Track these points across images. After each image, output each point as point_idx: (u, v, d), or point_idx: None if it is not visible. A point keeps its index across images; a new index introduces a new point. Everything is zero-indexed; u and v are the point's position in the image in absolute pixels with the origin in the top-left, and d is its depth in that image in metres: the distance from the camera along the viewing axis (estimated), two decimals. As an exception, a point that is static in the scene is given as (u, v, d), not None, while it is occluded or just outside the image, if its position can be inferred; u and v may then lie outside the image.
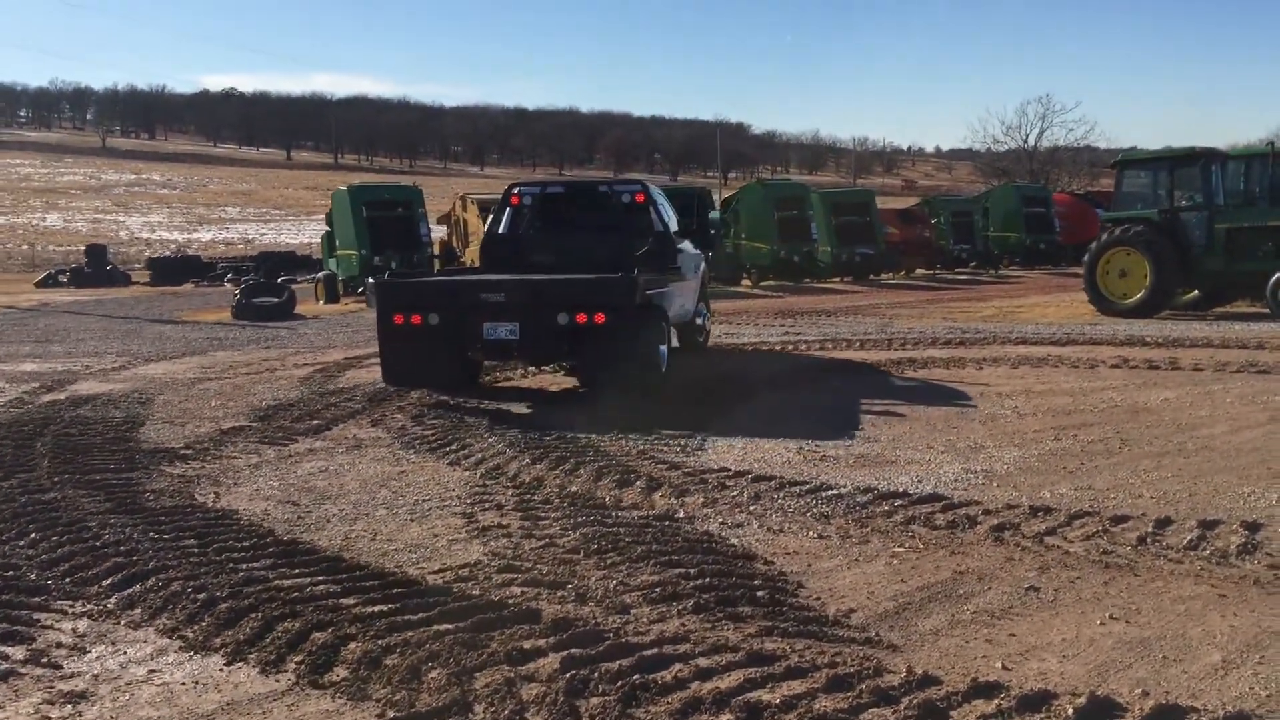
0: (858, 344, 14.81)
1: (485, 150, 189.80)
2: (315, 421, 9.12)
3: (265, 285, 23.29)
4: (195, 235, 77.92)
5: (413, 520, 6.06)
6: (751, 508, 6.30)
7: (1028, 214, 37.51)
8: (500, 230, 12.74)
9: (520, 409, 9.95)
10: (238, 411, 9.73)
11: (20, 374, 12.79)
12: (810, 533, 5.83)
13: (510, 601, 4.68)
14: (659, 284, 10.77)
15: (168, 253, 58.58)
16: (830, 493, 6.60)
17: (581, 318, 9.49)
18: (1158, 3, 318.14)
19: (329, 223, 27.07)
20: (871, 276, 33.31)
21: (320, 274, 27.86)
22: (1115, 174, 20.08)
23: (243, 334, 18.71)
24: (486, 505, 6.34)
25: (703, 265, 14.14)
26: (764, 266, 30.96)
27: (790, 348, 14.57)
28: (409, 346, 10.07)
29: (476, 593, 4.81)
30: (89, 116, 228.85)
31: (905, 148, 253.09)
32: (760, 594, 4.77)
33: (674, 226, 13.01)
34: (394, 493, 6.71)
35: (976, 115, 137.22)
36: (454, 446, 8.05)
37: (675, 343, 13.51)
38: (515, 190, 12.90)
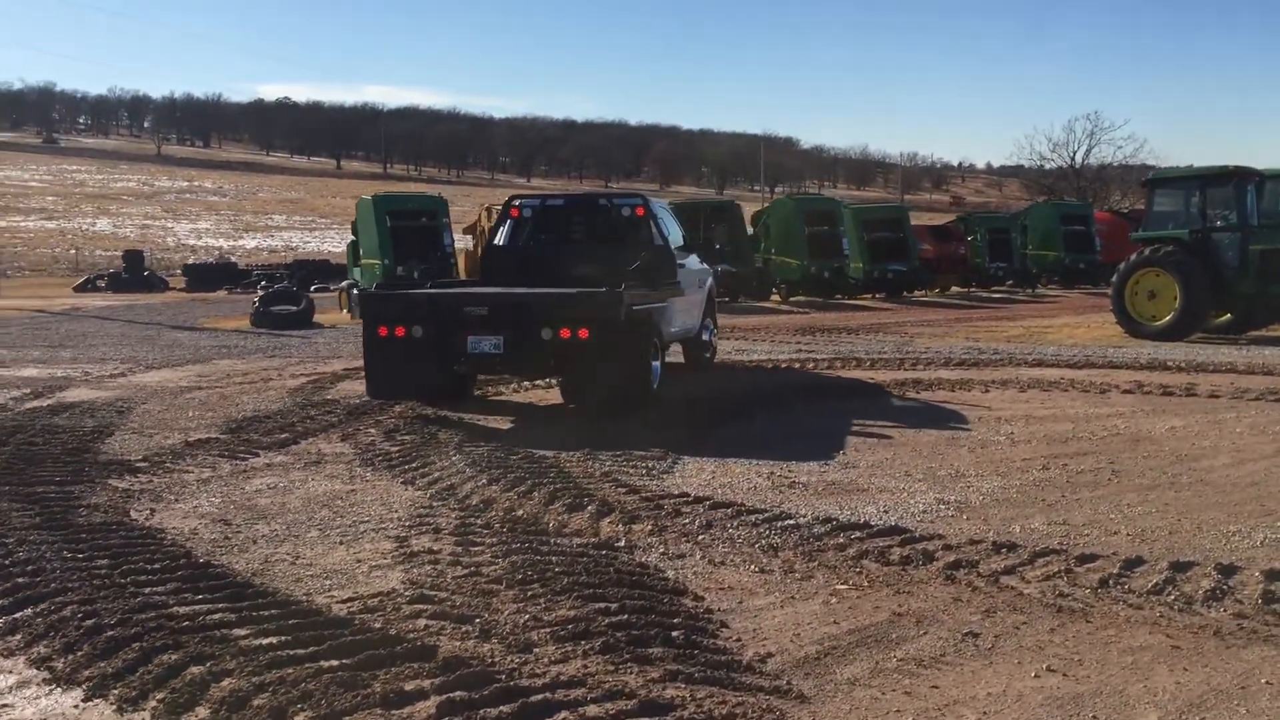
0: (869, 363, 14.45)
1: (533, 162, 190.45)
2: (285, 435, 8.94)
3: (284, 293, 23.31)
4: (240, 242, 78.67)
5: (342, 543, 5.83)
6: (700, 537, 6.01)
7: (1067, 232, 36.83)
8: (500, 243, 12.59)
9: (501, 424, 9.74)
10: (212, 423, 9.59)
11: (16, 379, 12.76)
12: (753, 566, 5.53)
13: (409, 636, 4.43)
14: (652, 299, 10.52)
15: (210, 259, 59.11)
16: (787, 522, 6.29)
17: (566, 333, 9.30)
18: (1215, 19, 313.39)
19: (354, 232, 27.06)
20: (905, 294, 32.84)
21: (344, 283, 27.87)
22: (1146, 193, 19.58)
23: (255, 342, 18.67)
24: (425, 528, 6.10)
25: (709, 280, 13.86)
26: (794, 282, 30.59)
27: (799, 366, 14.24)
28: (394, 359, 9.90)
29: (378, 625, 4.56)
30: (146, 124, 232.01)
31: (956, 163, 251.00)
32: (676, 634, 4.48)
33: (677, 240, 12.77)
34: (335, 512, 6.49)
35: (1024, 132, 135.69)
36: (415, 464, 7.83)
37: (681, 358, 13.27)
38: (515, 203, 12.74)
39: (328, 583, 5.16)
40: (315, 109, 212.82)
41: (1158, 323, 18.25)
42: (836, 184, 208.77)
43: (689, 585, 5.19)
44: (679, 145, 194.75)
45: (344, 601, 4.87)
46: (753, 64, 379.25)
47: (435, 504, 6.68)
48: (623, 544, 5.87)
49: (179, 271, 47.58)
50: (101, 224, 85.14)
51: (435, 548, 5.71)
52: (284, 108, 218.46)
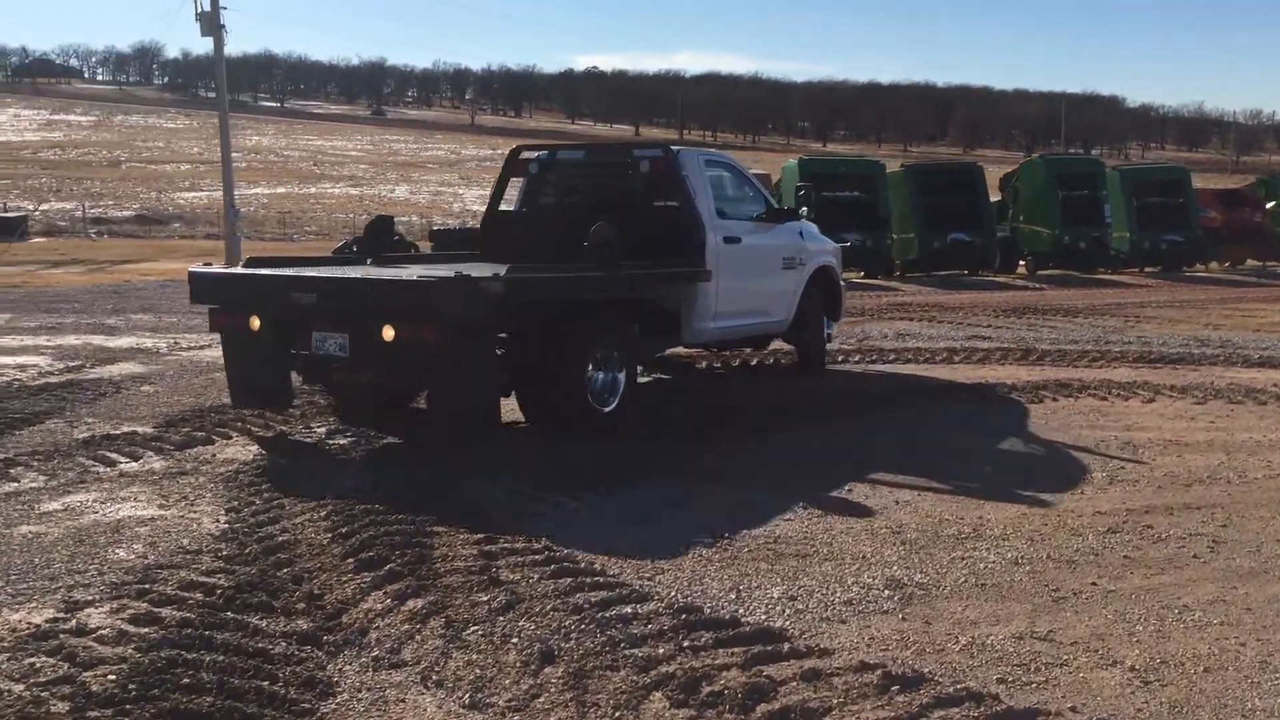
0: (1036, 356, 11.86)
1: (831, 126, 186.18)
2: (214, 432, 7.72)
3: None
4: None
5: (-8, 608, 4.46)
6: (467, 632, 4.23)
7: (1406, 197, 31.04)
8: (504, 206, 10.32)
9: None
10: (170, 411, 8.48)
11: (81, 348, 12.22)
12: (478, 692, 3.74)
13: None
14: (612, 285, 8.04)
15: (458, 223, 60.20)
16: (622, 611, 4.41)
17: (408, 333, 6.81)
18: None
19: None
20: (1185, 268, 28.60)
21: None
22: None
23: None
24: (137, 590, 4.60)
25: (819, 261, 10.79)
26: (1042, 254, 27.13)
27: (944, 358, 11.82)
28: (244, 357, 7.77)
29: None
30: (468, 96, 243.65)
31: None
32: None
33: (752, 205, 10.04)
34: (71, 555, 5.07)
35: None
36: (292, 479, 6.38)
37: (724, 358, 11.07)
38: (521, 155, 10.19)
39: None
40: (620, 77, 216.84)
41: None
42: (1164, 145, 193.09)
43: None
44: (986, 107, 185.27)
45: None
46: (1073, 19, 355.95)
47: (209, 548, 5.19)
48: (338, 638, 4.19)
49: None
50: (400, 190, 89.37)
51: (92, 625, 4.23)
52: (591, 77, 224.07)
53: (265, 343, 7.47)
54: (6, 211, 56.86)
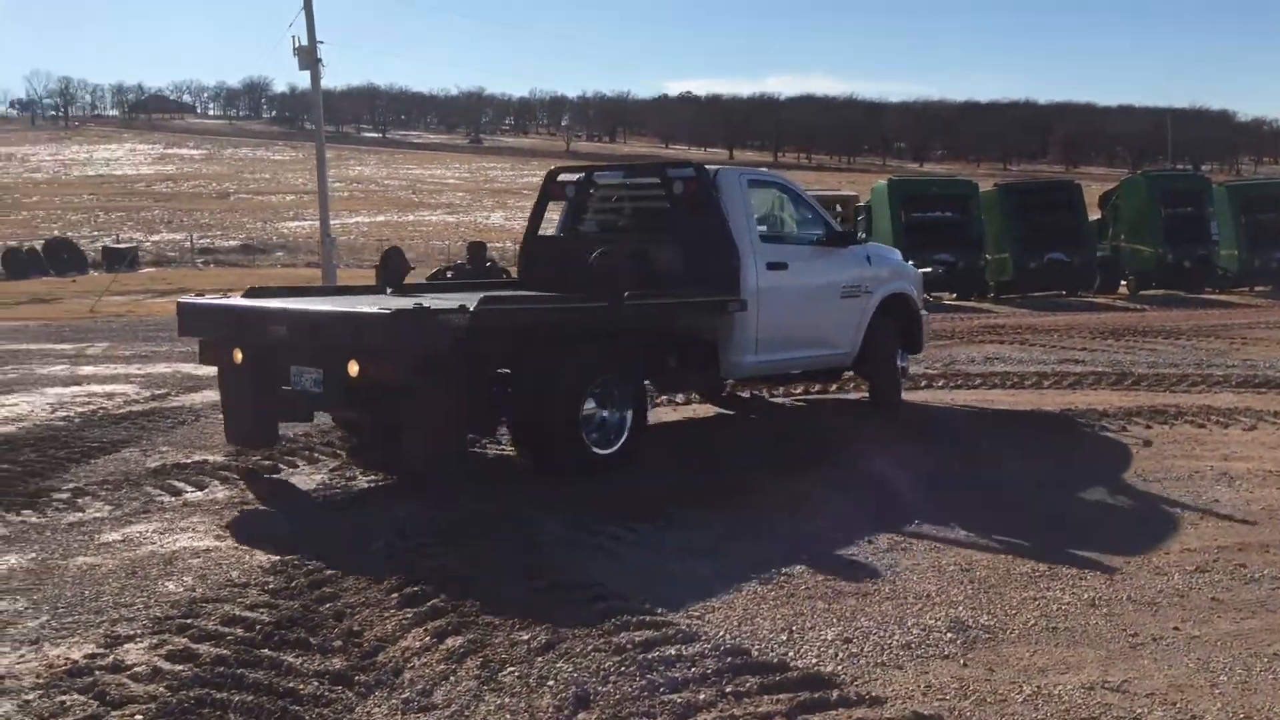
0: (1131, 381, 11.38)
1: (928, 146, 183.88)
2: (270, 462, 7.74)
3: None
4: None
5: (36, 642, 4.42)
6: (505, 672, 4.10)
7: None
8: (542, 231, 9.82)
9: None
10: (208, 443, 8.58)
11: (171, 377, 12.45)
12: (501, 738, 3.59)
13: None
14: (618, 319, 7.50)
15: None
16: (666, 652, 4.23)
17: (371, 369, 6.52)
18: None
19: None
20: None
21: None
22: None
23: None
24: (179, 624, 4.56)
25: (896, 288, 10.03)
26: (1145, 273, 26.26)
27: (1032, 384, 11.41)
28: (234, 391, 7.59)
29: None
30: (563, 122, 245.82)
31: None
32: None
33: (800, 228, 9.51)
34: (120, 587, 5.07)
35: None
36: (363, 507, 6.34)
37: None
38: (558, 178, 9.73)
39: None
40: (714, 101, 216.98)
41: None
42: (1278, 160, 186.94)
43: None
44: (1089, 123, 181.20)
45: None
46: (1178, 32, 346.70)
47: (256, 581, 5.13)
48: (370, 678, 4.07)
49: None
50: (495, 217, 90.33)
51: (129, 662, 4.18)
52: (685, 101, 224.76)
53: (249, 377, 7.29)
54: (119, 243, 58.82)
